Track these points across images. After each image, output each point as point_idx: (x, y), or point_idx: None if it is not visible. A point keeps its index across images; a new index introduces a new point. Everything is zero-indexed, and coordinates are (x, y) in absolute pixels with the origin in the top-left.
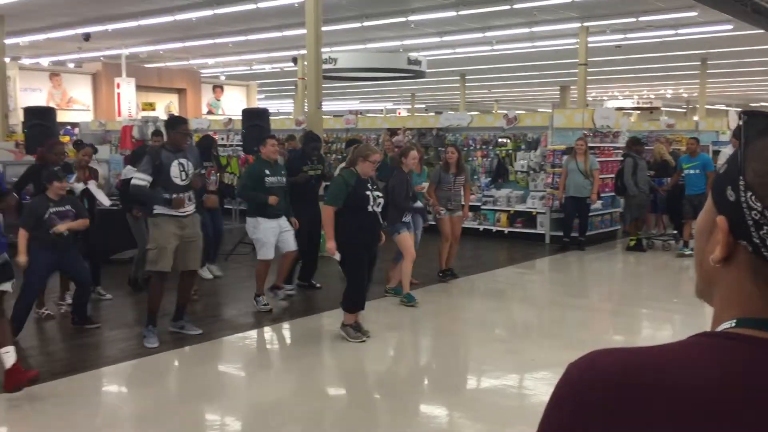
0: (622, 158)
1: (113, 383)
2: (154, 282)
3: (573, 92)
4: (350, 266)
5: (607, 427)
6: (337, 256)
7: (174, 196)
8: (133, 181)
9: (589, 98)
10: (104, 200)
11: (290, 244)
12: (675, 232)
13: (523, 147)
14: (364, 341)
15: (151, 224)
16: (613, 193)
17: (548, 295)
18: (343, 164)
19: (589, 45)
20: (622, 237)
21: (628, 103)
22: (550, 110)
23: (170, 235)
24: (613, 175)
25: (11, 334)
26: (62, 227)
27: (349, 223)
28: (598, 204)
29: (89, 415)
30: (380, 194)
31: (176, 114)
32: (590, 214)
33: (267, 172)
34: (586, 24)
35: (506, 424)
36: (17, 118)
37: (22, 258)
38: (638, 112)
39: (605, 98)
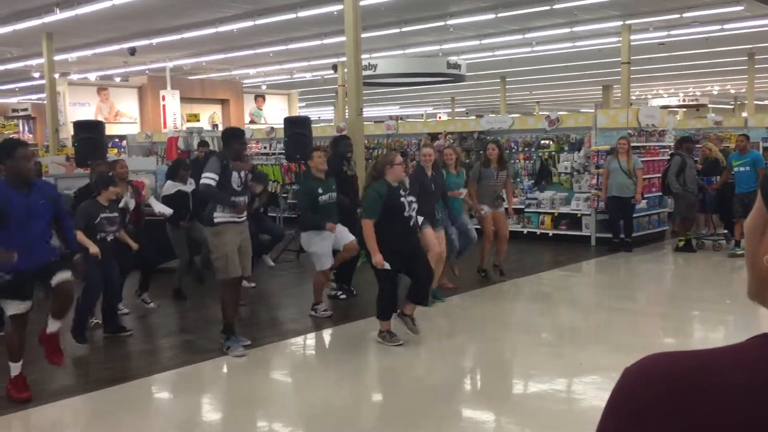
0: (669, 157)
1: (162, 391)
2: (226, 290)
3: (616, 91)
4: (381, 274)
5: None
6: (387, 266)
7: (238, 198)
8: (203, 180)
9: (633, 97)
10: (165, 210)
11: (346, 237)
12: (726, 231)
13: (566, 148)
14: (402, 344)
15: (211, 233)
16: (660, 193)
17: (595, 297)
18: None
19: (632, 43)
20: (670, 238)
21: (673, 101)
22: (592, 110)
23: (234, 241)
24: (659, 175)
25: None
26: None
27: (386, 232)
28: (642, 204)
29: (138, 422)
30: (413, 199)
31: (220, 125)
32: (637, 214)
33: (320, 190)
34: (628, 22)
35: (554, 429)
36: (67, 132)
37: (93, 248)
38: (684, 109)
39: (649, 97)
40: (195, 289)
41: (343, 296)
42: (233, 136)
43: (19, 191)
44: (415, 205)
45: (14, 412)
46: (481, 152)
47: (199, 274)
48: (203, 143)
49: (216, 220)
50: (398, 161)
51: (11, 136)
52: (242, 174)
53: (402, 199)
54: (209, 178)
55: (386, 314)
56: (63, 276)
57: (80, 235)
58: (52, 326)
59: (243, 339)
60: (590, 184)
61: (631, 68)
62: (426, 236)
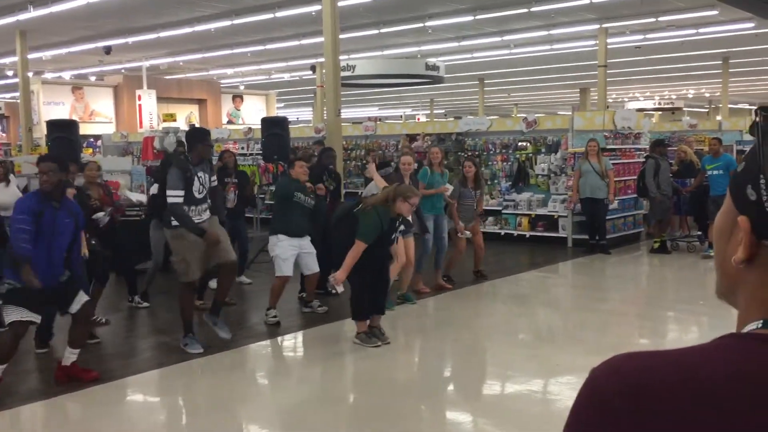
0: (644, 160)
1: (139, 392)
2: (184, 292)
3: (593, 94)
4: (352, 277)
5: (631, 430)
6: (340, 289)
7: (204, 225)
8: (170, 200)
9: (609, 100)
10: (141, 197)
11: (311, 266)
12: (700, 233)
13: (543, 150)
14: (379, 346)
15: (171, 237)
16: (635, 195)
17: (572, 299)
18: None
19: (609, 46)
20: (646, 239)
21: (649, 104)
22: (569, 113)
23: (193, 245)
24: (635, 177)
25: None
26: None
27: (367, 251)
28: (615, 205)
29: (113, 426)
30: (403, 228)
31: (197, 125)
32: (612, 216)
33: (296, 192)
34: (605, 25)
35: (531, 430)
36: (41, 132)
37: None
38: (660, 113)
39: (626, 100)
40: (171, 289)
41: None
42: (196, 137)
43: (51, 207)
44: (402, 227)
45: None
46: (461, 157)
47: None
48: (182, 144)
49: (174, 223)
50: (413, 201)
51: None
52: (204, 177)
53: (395, 234)
54: (175, 196)
55: (360, 315)
56: (81, 300)
57: None
58: (71, 357)
59: (225, 329)
60: (567, 186)
61: (608, 71)
62: (408, 245)
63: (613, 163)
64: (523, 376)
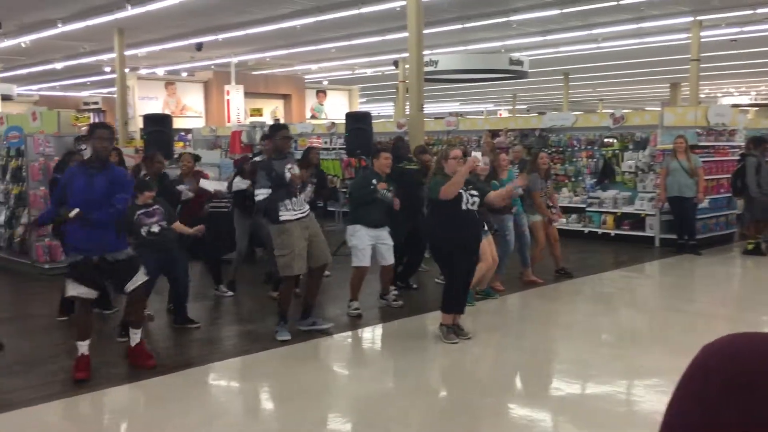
0: (739, 158)
1: (224, 378)
2: (286, 285)
3: (684, 90)
4: (448, 267)
5: (743, 401)
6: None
7: (305, 222)
8: (257, 198)
9: (702, 95)
10: (220, 186)
11: (387, 257)
12: None
13: (630, 147)
14: (456, 343)
15: (277, 231)
16: (728, 194)
17: (658, 299)
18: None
19: (702, 40)
20: (739, 240)
21: (744, 100)
22: (658, 109)
23: (299, 238)
24: (728, 175)
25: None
26: (185, 228)
27: (444, 222)
28: (705, 203)
29: (199, 407)
30: (475, 193)
31: (280, 120)
32: (703, 215)
33: (374, 182)
34: (698, 18)
35: (612, 431)
36: (136, 125)
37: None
38: (756, 108)
39: (719, 95)
40: (255, 279)
41: (397, 292)
42: (271, 132)
43: (87, 170)
44: (475, 200)
45: (82, 393)
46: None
47: (269, 276)
48: (267, 137)
49: (281, 218)
50: (452, 155)
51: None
52: (293, 169)
53: (460, 191)
54: (262, 194)
55: (448, 308)
56: (137, 281)
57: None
58: (135, 338)
59: (324, 322)
60: (655, 184)
61: (701, 66)
62: (484, 244)
63: (706, 161)
64: (606, 376)
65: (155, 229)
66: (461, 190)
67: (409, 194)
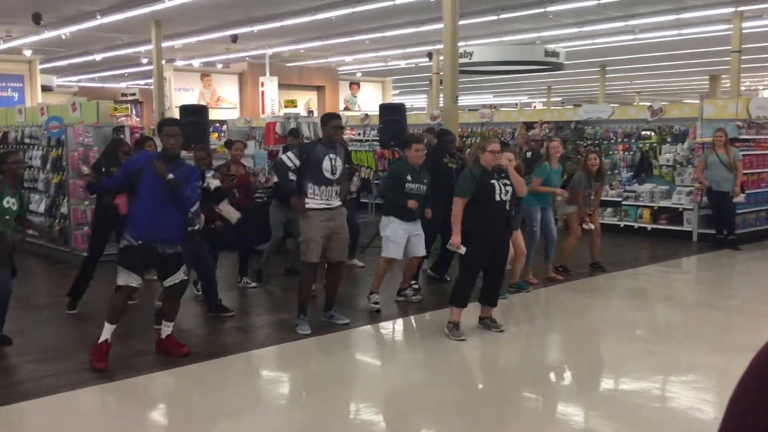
0: None
1: (253, 368)
2: (304, 273)
3: (724, 82)
4: (465, 260)
5: None
6: (462, 250)
7: (302, 194)
8: (280, 155)
9: (742, 88)
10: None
11: (418, 249)
12: None
13: (668, 140)
14: (464, 340)
15: (301, 218)
16: None
17: (695, 295)
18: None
19: (744, 31)
20: None
21: None
22: (696, 101)
23: (319, 228)
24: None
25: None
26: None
27: (476, 214)
28: (740, 198)
29: (233, 396)
30: (508, 182)
31: (315, 111)
32: (744, 210)
33: (409, 177)
34: (740, 9)
35: (646, 427)
36: (173, 116)
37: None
38: None
39: (760, 87)
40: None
41: (417, 286)
42: (323, 121)
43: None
44: (510, 189)
45: (117, 380)
46: (580, 146)
47: (292, 266)
48: (293, 132)
49: (306, 206)
50: (491, 148)
51: (122, 119)
52: (335, 160)
53: (493, 181)
54: (288, 158)
55: (459, 302)
56: (176, 278)
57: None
58: (166, 330)
59: (342, 317)
60: (694, 178)
61: (742, 57)
62: (515, 237)
63: (746, 155)
64: (640, 371)
65: (197, 227)
66: (494, 181)
67: (444, 187)
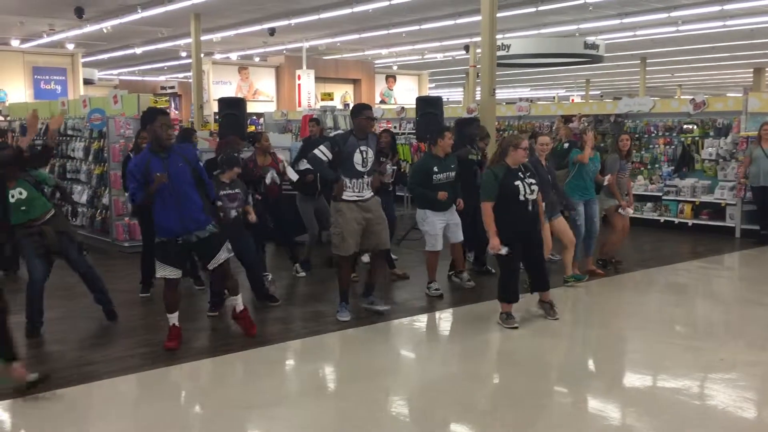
0: None
1: (291, 358)
2: (340, 264)
3: None
4: (501, 257)
5: None
6: (504, 251)
7: (342, 179)
8: (314, 151)
9: None
10: (292, 175)
11: (457, 235)
12: None
13: (711, 134)
14: (517, 327)
15: (334, 210)
16: None
17: (737, 291)
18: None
19: None
20: None
21: None
22: (740, 94)
23: (352, 220)
24: None
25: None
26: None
27: (501, 214)
28: None
29: (271, 385)
30: (534, 181)
31: (350, 104)
32: None
33: (435, 169)
34: None
35: (686, 425)
36: (210, 109)
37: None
38: None
39: None
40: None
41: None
42: (354, 112)
43: (158, 157)
44: (535, 187)
45: (161, 367)
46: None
47: (329, 258)
48: (314, 120)
49: (343, 197)
50: (523, 146)
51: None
52: (367, 152)
53: (518, 182)
54: (321, 152)
55: (504, 296)
56: (220, 258)
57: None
58: (235, 303)
59: (382, 304)
60: (737, 172)
61: None
62: (559, 226)
63: None
64: (680, 368)
65: (233, 214)
66: (518, 182)
67: (466, 179)
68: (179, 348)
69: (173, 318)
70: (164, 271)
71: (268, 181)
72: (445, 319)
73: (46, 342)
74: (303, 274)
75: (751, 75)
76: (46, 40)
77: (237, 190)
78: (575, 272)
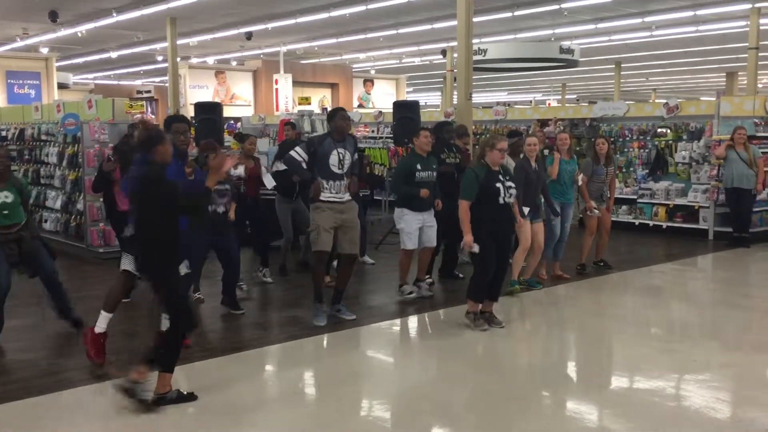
0: None
1: (269, 363)
2: (316, 262)
3: (741, 79)
4: (475, 255)
5: None
6: (476, 248)
7: (319, 180)
8: (290, 152)
9: (759, 85)
10: (269, 183)
11: (431, 239)
12: None
13: (684, 137)
14: (486, 330)
15: (312, 209)
16: None
17: (710, 293)
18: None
19: (761, 27)
20: None
21: None
22: (712, 99)
23: (329, 218)
24: None
25: None
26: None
27: (479, 215)
28: (763, 195)
29: (249, 391)
30: (512, 185)
31: (327, 108)
32: (760, 208)
33: (418, 167)
34: (757, 5)
35: (659, 426)
36: (187, 114)
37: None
38: None
39: None
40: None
41: (431, 281)
42: (330, 116)
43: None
44: (513, 191)
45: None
46: (591, 144)
47: (303, 259)
48: (289, 124)
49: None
50: (499, 147)
51: (137, 116)
52: (344, 154)
53: (498, 184)
54: (297, 153)
55: (476, 295)
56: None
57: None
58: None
59: (349, 313)
60: (710, 176)
61: (760, 54)
62: (522, 230)
63: (763, 152)
64: (655, 369)
65: (221, 209)
66: (499, 184)
67: (448, 182)
68: (106, 363)
69: (106, 320)
70: (131, 265)
71: (235, 172)
72: (416, 323)
73: (18, 350)
74: (270, 280)
75: (724, 79)
76: (20, 44)
77: (227, 186)
78: (537, 277)
